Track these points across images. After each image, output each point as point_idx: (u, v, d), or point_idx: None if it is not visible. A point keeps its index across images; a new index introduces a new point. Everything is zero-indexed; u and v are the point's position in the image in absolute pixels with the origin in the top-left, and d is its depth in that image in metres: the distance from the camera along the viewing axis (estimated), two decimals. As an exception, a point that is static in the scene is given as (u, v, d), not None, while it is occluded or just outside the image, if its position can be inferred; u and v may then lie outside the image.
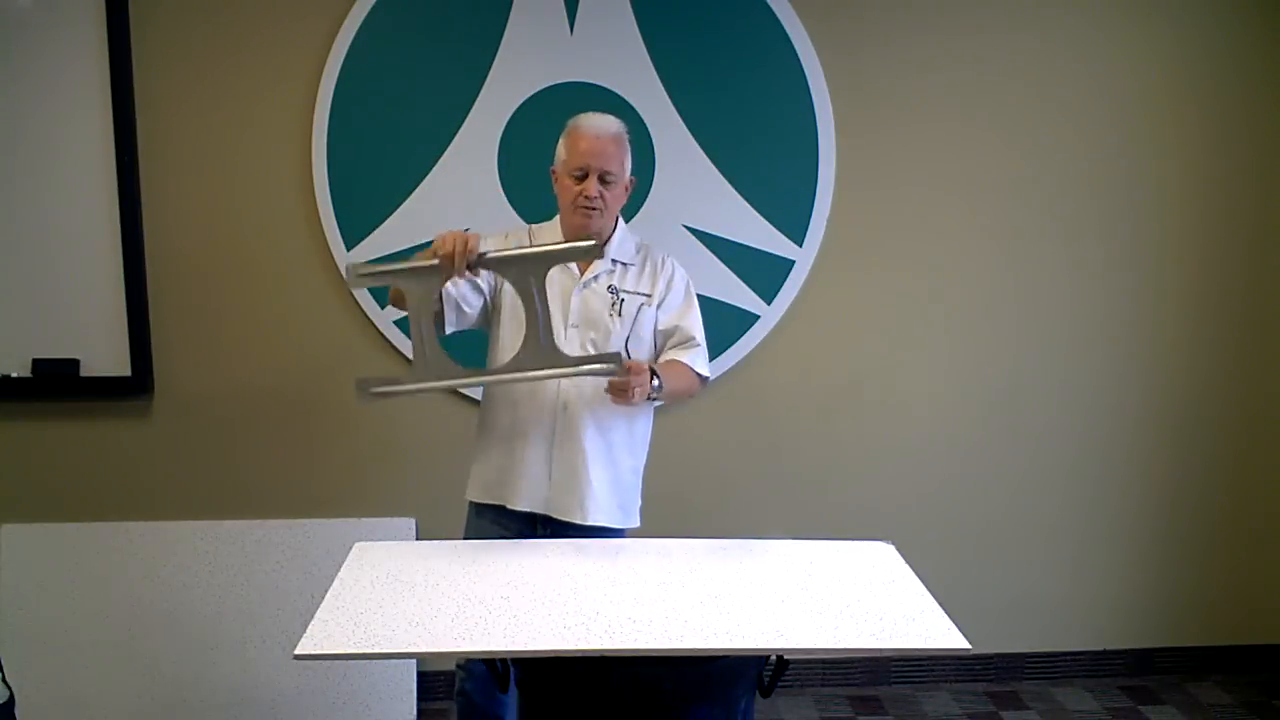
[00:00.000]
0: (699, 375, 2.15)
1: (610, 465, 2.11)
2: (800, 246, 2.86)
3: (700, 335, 2.16)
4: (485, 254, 1.88)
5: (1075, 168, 2.92)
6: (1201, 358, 3.05)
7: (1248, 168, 2.97)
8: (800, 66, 2.78)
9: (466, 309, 2.07)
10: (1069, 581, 3.13)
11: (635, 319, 2.10)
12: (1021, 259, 2.95)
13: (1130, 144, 2.92)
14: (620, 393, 1.94)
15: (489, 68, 2.70)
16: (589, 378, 2.00)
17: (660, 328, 2.14)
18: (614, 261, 2.12)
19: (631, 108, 2.75)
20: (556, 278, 2.05)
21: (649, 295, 2.12)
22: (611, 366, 1.89)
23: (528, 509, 2.10)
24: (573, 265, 2.08)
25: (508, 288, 2.05)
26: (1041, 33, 2.85)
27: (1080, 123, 2.90)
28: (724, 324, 2.86)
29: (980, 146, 2.89)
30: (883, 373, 2.97)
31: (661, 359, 2.14)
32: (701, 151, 2.79)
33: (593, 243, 1.89)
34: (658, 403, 2.13)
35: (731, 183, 2.81)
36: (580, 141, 2.02)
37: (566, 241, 2.04)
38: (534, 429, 2.09)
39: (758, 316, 2.88)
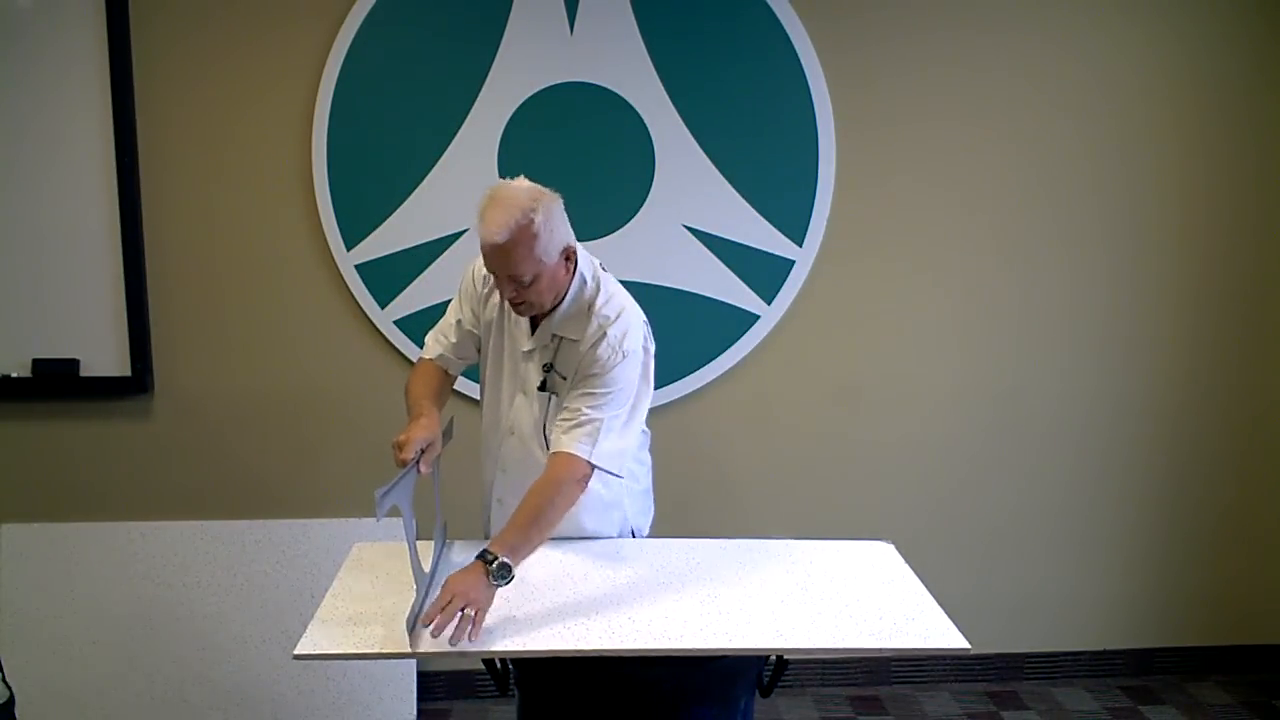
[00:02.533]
0: (582, 464, 1.78)
1: None
2: (800, 246, 2.86)
3: (607, 413, 1.80)
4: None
5: (1076, 167, 2.92)
6: (1202, 358, 3.05)
7: (1249, 167, 2.96)
8: (800, 66, 2.78)
9: (472, 358, 2.05)
10: (1069, 581, 3.12)
11: (549, 403, 1.91)
12: (1022, 258, 2.95)
13: (1131, 143, 2.92)
14: (461, 635, 1.58)
15: (489, 68, 2.70)
16: (530, 413, 1.93)
17: (570, 397, 1.86)
18: (554, 336, 1.89)
19: (631, 108, 2.75)
20: (515, 330, 1.94)
21: (565, 378, 1.88)
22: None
23: (485, 536, 2.07)
24: (525, 326, 1.92)
25: (486, 323, 1.98)
26: (1042, 32, 2.85)
27: (1081, 122, 2.90)
28: (724, 324, 2.86)
29: (980, 146, 2.89)
30: (883, 373, 2.97)
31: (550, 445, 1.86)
32: (701, 151, 2.79)
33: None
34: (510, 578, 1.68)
35: (731, 183, 2.81)
36: (482, 242, 1.74)
37: None
38: (486, 456, 2.06)
39: (758, 316, 2.88)
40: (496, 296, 1.93)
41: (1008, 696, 3.07)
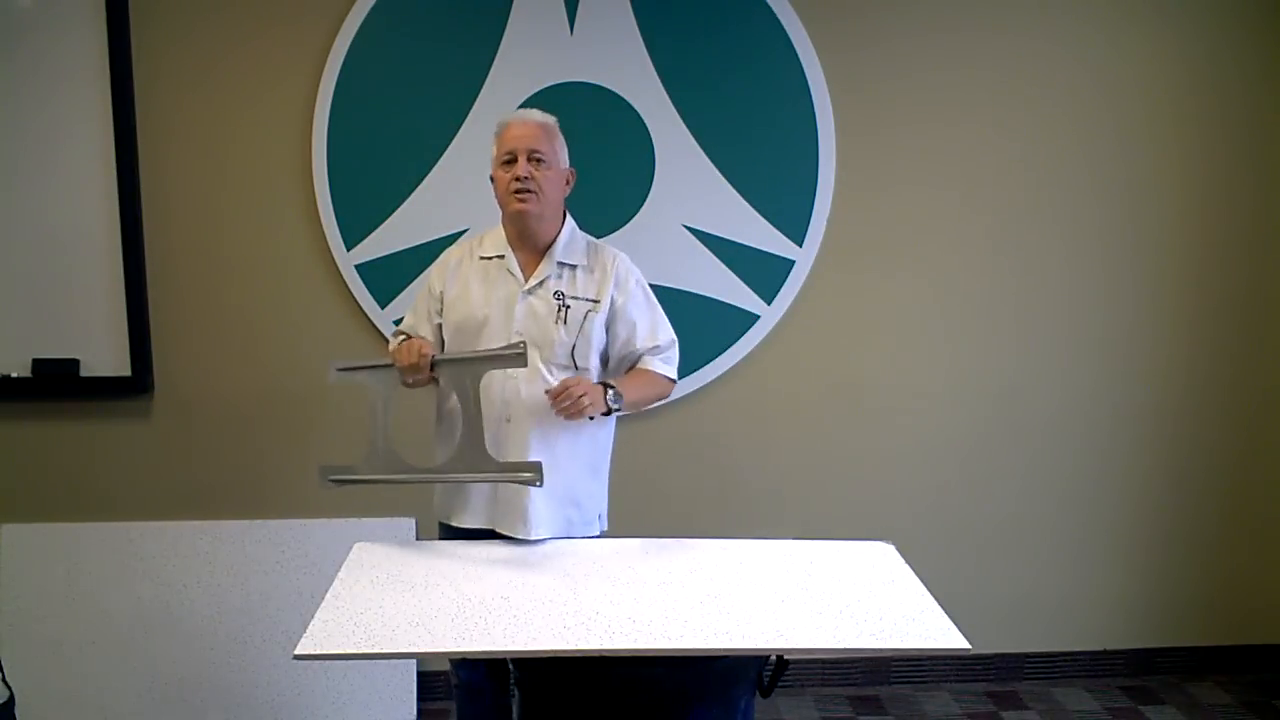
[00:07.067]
0: (668, 379, 2.13)
1: (554, 477, 1.96)
2: (800, 246, 2.86)
3: (665, 337, 2.12)
4: (435, 359, 1.99)
5: (1075, 167, 2.92)
6: (1201, 357, 3.05)
7: (1248, 167, 2.97)
8: (800, 66, 2.78)
9: None
10: (1069, 581, 3.12)
11: (581, 326, 2.03)
12: (1021, 258, 2.95)
13: (1130, 143, 2.92)
14: (570, 411, 1.92)
15: (489, 68, 2.70)
16: (533, 390, 2.00)
17: (620, 335, 2.08)
18: (560, 264, 2.05)
19: (631, 108, 2.75)
20: (501, 284, 2.04)
21: (595, 301, 2.05)
22: (531, 476, 1.88)
23: (474, 525, 2.06)
24: (518, 270, 2.05)
25: (454, 296, 2.09)
26: (1042, 32, 2.85)
27: (1080, 122, 2.90)
28: (724, 324, 2.86)
29: (980, 146, 2.89)
30: (883, 373, 2.97)
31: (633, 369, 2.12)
32: (701, 151, 2.79)
33: (520, 352, 1.88)
34: (620, 412, 2.05)
35: (731, 183, 2.81)
36: (507, 130, 2.03)
37: (509, 240, 2.07)
38: (461, 445, 2.01)
39: (758, 316, 2.88)
40: (470, 264, 2.09)
41: (1008, 696, 3.07)
